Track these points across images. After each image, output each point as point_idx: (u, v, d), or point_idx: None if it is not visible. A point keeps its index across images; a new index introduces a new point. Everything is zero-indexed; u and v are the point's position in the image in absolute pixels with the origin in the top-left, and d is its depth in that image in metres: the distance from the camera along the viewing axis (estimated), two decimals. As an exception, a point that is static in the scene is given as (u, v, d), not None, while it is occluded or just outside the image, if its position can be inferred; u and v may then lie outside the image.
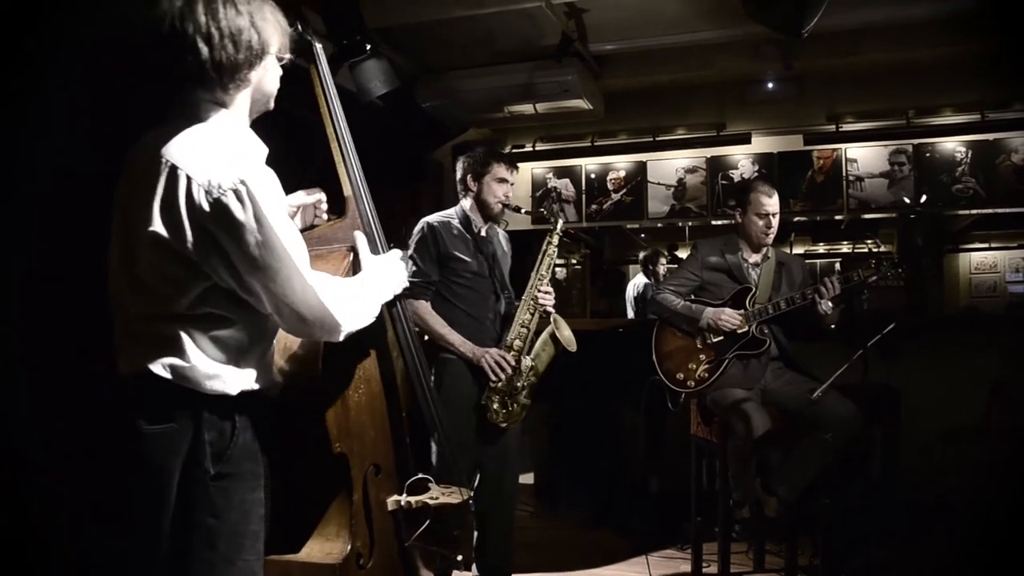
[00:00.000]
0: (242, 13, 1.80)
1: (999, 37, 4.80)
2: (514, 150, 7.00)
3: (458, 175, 3.84)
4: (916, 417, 4.74)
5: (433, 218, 3.73)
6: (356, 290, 2.05)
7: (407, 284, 2.34)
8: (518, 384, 3.56)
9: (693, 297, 4.17)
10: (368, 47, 4.49)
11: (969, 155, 6.03)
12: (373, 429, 2.34)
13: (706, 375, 3.99)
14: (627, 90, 6.45)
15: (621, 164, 6.94)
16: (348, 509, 2.23)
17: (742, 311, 4.00)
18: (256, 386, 1.88)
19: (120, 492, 1.87)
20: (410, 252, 3.67)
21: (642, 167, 6.86)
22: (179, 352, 1.76)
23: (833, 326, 3.94)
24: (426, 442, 2.68)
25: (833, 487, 3.92)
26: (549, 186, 6.98)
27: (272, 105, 2.00)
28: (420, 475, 2.42)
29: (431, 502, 2.37)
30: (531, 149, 7.00)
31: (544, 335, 3.64)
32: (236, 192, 1.71)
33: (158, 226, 1.73)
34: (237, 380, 1.83)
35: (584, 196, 6.96)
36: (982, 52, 5.50)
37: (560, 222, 3.73)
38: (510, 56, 5.74)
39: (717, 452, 4.05)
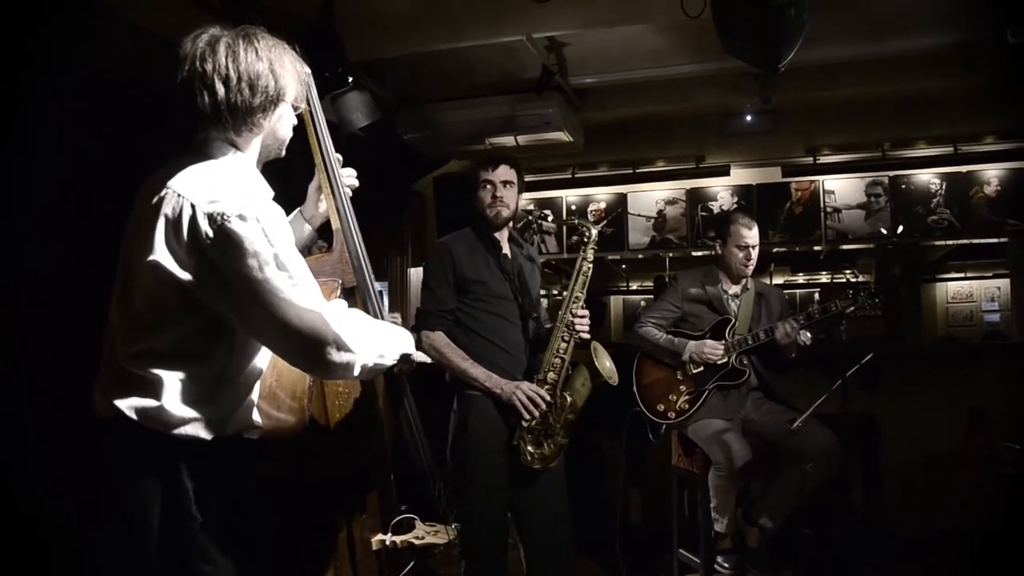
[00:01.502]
0: (262, 59, 1.84)
1: (971, 73, 4.89)
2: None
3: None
4: (896, 446, 4.77)
5: (450, 238, 3.42)
6: (371, 322, 2.03)
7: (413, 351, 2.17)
8: (554, 422, 3.21)
9: (672, 329, 4.18)
10: (350, 79, 4.52)
11: (944, 187, 6.12)
12: (358, 468, 2.32)
13: (686, 406, 4.00)
14: (607, 123, 6.50)
15: (601, 196, 6.98)
16: (333, 551, 2.19)
17: (722, 342, 4.02)
18: (234, 431, 1.86)
19: (102, 541, 1.84)
20: (424, 277, 3.38)
21: (622, 199, 6.90)
22: (153, 392, 1.75)
23: (793, 355, 3.97)
24: (412, 479, 2.56)
25: (814, 517, 3.93)
26: (530, 217, 7.00)
27: (283, 153, 2.03)
28: (405, 513, 2.38)
29: (416, 541, 2.32)
30: (512, 181, 7.02)
31: (581, 367, 3.30)
32: (240, 218, 1.72)
33: (159, 255, 1.73)
34: (211, 425, 1.80)
35: (565, 228, 6.98)
36: (954, 87, 5.59)
37: (595, 231, 3.40)
38: (491, 89, 5.78)
39: (698, 483, 4.05)
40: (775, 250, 6.68)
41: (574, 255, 6.94)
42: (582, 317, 3.28)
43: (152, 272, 1.74)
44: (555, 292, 9.26)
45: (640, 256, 7.13)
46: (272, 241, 1.75)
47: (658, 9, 4.30)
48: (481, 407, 3.23)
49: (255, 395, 1.98)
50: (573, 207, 7.03)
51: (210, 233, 1.72)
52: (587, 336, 3.31)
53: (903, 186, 6.20)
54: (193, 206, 1.73)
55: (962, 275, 9.17)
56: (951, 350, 6.46)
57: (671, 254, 7.20)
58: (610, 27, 4.83)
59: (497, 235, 3.46)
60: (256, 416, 1.98)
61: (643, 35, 5.01)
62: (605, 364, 3.31)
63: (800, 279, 9.47)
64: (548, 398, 3.20)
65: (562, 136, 5.98)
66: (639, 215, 6.85)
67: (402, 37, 4.83)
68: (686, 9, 3.59)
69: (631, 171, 6.82)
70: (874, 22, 4.72)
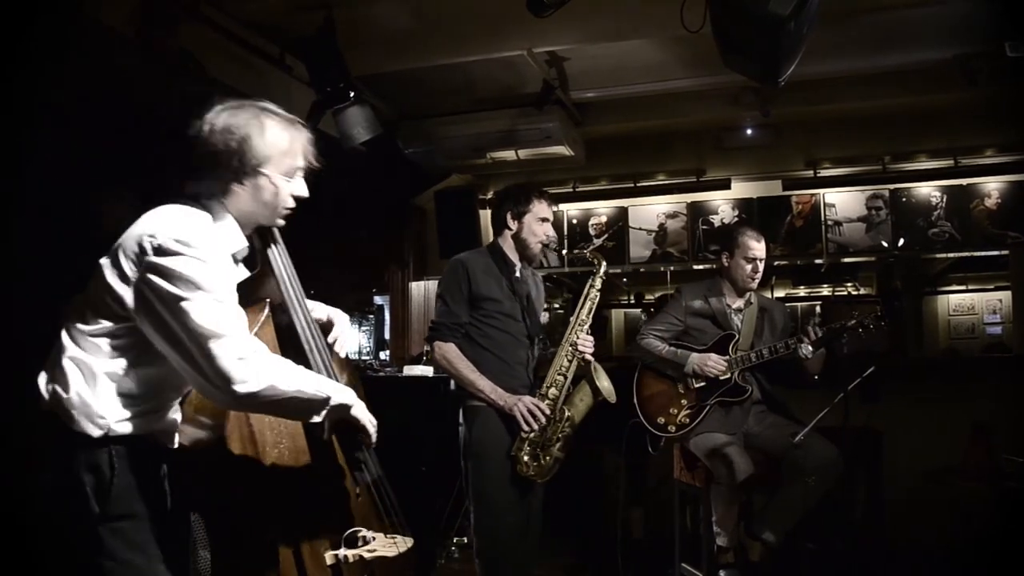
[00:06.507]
0: (239, 127, 2.02)
1: (970, 87, 4.90)
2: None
3: (495, 212, 3.68)
4: (898, 459, 4.75)
5: (466, 256, 3.54)
6: (290, 372, 2.02)
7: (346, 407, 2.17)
8: (552, 435, 3.36)
9: (674, 342, 4.17)
10: (351, 94, 4.54)
11: (944, 200, 6.12)
12: (300, 483, 2.30)
13: (687, 420, 3.99)
14: (608, 137, 6.52)
15: (603, 209, 6.99)
16: (276, 568, 2.17)
17: (726, 358, 4.01)
18: (126, 431, 1.91)
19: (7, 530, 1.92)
20: (440, 290, 3.52)
21: (623, 212, 6.91)
22: (65, 380, 1.87)
23: (816, 376, 3.97)
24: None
25: (816, 531, 3.92)
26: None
27: (278, 221, 2.17)
28: (357, 528, 2.38)
29: (367, 555, 2.32)
30: (513, 194, 7.03)
31: (582, 384, 3.48)
32: (172, 249, 1.85)
33: (105, 263, 1.91)
34: (101, 421, 1.87)
35: (566, 241, 6.99)
36: (954, 100, 5.61)
37: (603, 265, 3.58)
38: (492, 103, 5.80)
39: (701, 497, 4.04)
40: (776, 263, 6.68)
41: (574, 269, 7.05)
42: (587, 340, 3.45)
43: (99, 272, 1.91)
44: (556, 305, 9.28)
45: (641, 270, 7.14)
46: (204, 275, 1.87)
47: (658, 23, 4.32)
48: (484, 418, 3.37)
49: (168, 403, 2.06)
50: (574, 220, 7.04)
51: (150, 256, 1.86)
52: (590, 358, 3.47)
53: (904, 199, 6.21)
54: (146, 230, 1.89)
55: (963, 287, 9.16)
56: (953, 363, 6.45)
57: (672, 267, 7.20)
58: (610, 41, 4.86)
59: (513, 258, 3.58)
60: (163, 426, 2.06)
61: (643, 49, 5.03)
62: (604, 383, 3.47)
63: (801, 292, 9.46)
64: (548, 412, 3.35)
65: (563, 150, 6.00)
66: (640, 229, 6.86)
67: (403, 52, 4.86)
68: (686, 23, 3.60)
69: (632, 185, 6.84)
70: (874, 36, 4.73)
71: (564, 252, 6.70)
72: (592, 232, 6.99)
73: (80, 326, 1.91)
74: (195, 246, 1.88)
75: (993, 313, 9.00)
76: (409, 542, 2.42)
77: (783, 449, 3.75)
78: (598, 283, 3.55)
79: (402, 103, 5.94)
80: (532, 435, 3.33)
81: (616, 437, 4.21)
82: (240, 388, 1.88)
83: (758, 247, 4.09)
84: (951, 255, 6.71)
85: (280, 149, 2.07)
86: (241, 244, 2.06)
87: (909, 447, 4.82)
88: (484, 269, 3.49)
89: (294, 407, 2.02)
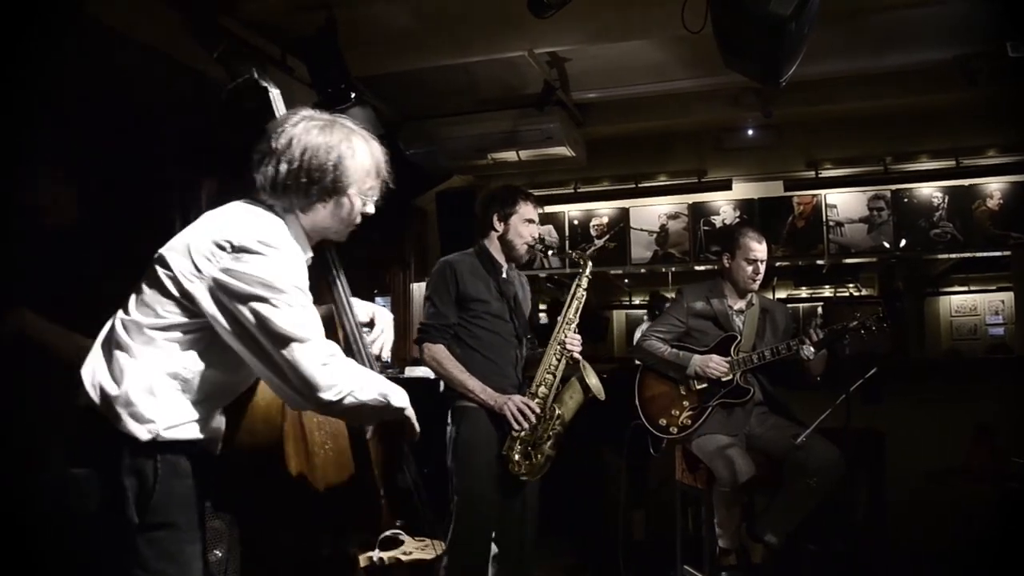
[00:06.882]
0: (332, 147, 2.00)
1: (971, 87, 4.90)
2: (497, 197, 7.05)
3: (481, 214, 3.68)
4: (900, 461, 4.74)
5: (453, 257, 3.55)
6: (365, 373, 2.02)
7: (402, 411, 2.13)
8: (543, 433, 3.38)
9: (676, 343, 4.16)
10: (352, 95, 4.53)
11: (946, 200, 6.12)
12: (341, 484, 2.29)
13: (689, 422, 3.97)
14: (609, 137, 6.52)
15: (604, 210, 6.99)
16: (312, 568, 2.17)
17: (727, 359, 4.00)
18: (175, 436, 1.83)
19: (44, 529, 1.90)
20: (427, 292, 3.52)
21: (625, 213, 6.91)
22: (118, 375, 1.79)
23: (818, 378, 3.96)
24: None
25: (818, 532, 3.91)
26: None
27: (344, 236, 2.15)
28: (393, 530, 2.36)
29: (403, 558, 2.33)
30: (514, 195, 7.03)
31: (572, 382, 3.48)
32: (254, 249, 1.82)
33: (170, 251, 1.86)
34: (150, 425, 1.79)
35: (567, 242, 6.99)
36: (956, 101, 5.61)
37: (590, 264, 3.63)
38: (493, 104, 5.80)
39: (702, 498, 4.03)
40: (778, 264, 6.69)
41: (575, 270, 7.03)
42: (574, 338, 3.46)
43: (165, 265, 1.85)
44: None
45: (642, 271, 7.14)
46: (281, 275, 1.83)
47: (659, 24, 4.32)
48: (473, 418, 3.38)
49: (220, 407, 2.00)
50: (576, 221, 7.04)
51: (226, 255, 1.82)
52: (578, 356, 3.48)
53: (905, 200, 6.20)
54: (220, 228, 1.85)
55: (965, 288, 9.15)
56: (955, 364, 6.44)
57: (673, 268, 7.20)
58: (612, 42, 4.86)
59: (500, 259, 3.60)
60: (211, 432, 1.97)
61: (644, 50, 5.03)
62: (592, 380, 3.48)
63: (803, 293, 9.45)
64: (538, 410, 3.36)
65: (564, 151, 5.99)
66: (641, 229, 6.86)
67: (404, 53, 4.86)
68: (687, 24, 3.60)
69: (633, 185, 6.85)
70: (875, 36, 4.73)
71: (552, 253, 6.71)
72: (593, 233, 6.99)
73: (139, 319, 1.84)
74: (277, 247, 1.85)
75: (995, 314, 8.99)
76: (440, 546, 2.41)
77: (785, 450, 3.74)
78: (584, 283, 3.58)
79: (403, 104, 5.94)
80: (523, 434, 3.34)
81: (618, 438, 4.20)
82: (325, 395, 1.84)
83: (759, 248, 4.08)
84: (953, 256, 6.71)
85: (365, 170, 2.06)
86: (308, 254, 2.04)
87: (911, 448, 4.81)
88: (471, 270, 3.50)
89: (366, 412, 2.00)
